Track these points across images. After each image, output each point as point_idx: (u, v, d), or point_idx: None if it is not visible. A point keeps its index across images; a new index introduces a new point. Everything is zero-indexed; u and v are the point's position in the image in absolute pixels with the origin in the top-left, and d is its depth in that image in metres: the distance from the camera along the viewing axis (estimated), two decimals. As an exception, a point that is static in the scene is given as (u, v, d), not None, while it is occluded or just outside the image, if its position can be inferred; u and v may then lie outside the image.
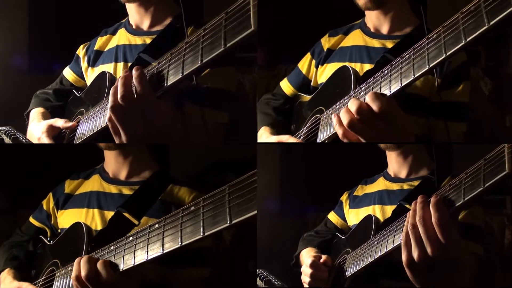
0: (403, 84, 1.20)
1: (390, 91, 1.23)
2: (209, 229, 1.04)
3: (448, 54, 1.12)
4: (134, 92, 1.24)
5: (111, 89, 1.26)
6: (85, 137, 1.44)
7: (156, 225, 1.16)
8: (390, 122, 1.22)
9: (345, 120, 1.24)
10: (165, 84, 1.23)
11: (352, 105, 1.23)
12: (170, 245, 1.11)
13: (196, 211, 1.07)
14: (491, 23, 1.04)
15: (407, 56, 1.22)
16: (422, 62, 1.17)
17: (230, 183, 1.03)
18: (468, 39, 1.08)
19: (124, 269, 1.22)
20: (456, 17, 1.11)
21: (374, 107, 1.21)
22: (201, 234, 1.05)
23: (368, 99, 1.22)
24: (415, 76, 1.18)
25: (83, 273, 1.23)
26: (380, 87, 1.26)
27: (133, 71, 1.25)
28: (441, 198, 1.21)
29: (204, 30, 1.15)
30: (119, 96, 1.24)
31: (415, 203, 1.24)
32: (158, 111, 1.24)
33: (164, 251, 1.13)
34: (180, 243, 1.09)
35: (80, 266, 1.24)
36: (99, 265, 1.23)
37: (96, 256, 1.30)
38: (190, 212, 1.08)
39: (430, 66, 1.15)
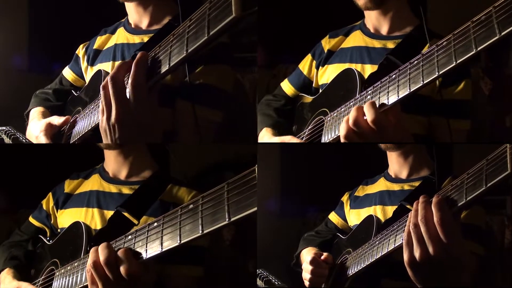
0: (411, 90, 1.21)
1: (398, 96, 1.23)
2: (208, 227, 1.03)
3: (458, 62, 1.12)
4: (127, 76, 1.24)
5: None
6: (80, 135, 1.44)
7: (155, 224, 1.15)
8: (383, 133, 1.23)
9: (342, 131, 1.26)
10: (154, 75, 1.22)
11: (350, 115, 1.24)
12: (169, 244, 1.10)
13: (194, 209, 1.06)
14: (503, 33, 1.04)
15: (416, 62, 1.22)
16: (432, 69, 1.17)
17: (228, 180, 1.02)
18: (479, 48, 1.08)
19: (146, 257, 1.15)
20: (467, 26, 1.11)
21: (368, 117, 1.23)
22: (200, 232, 1.05)
23: (365, 108, 1.24)
24: (424, 82, 1.18)
25: (101, 258, 1.16)
26: (388, 92, 1.26)
27: (138, 55, 1.24)
28: (443, 198, 1.20)
29: (190, 20, 1.15)
30: (111, 74, 1.24)
31: (417, 203, 1.23)
32: (145, 101, 1.23)
33: (163, 250, 1.12)
34: (179, 241, 1.08)
35: (99, 251, 1.18)
36: (120, 253, 1.17)
37: None
38: (189, 210, 1.08)
39: (440, 73, 1.15)
